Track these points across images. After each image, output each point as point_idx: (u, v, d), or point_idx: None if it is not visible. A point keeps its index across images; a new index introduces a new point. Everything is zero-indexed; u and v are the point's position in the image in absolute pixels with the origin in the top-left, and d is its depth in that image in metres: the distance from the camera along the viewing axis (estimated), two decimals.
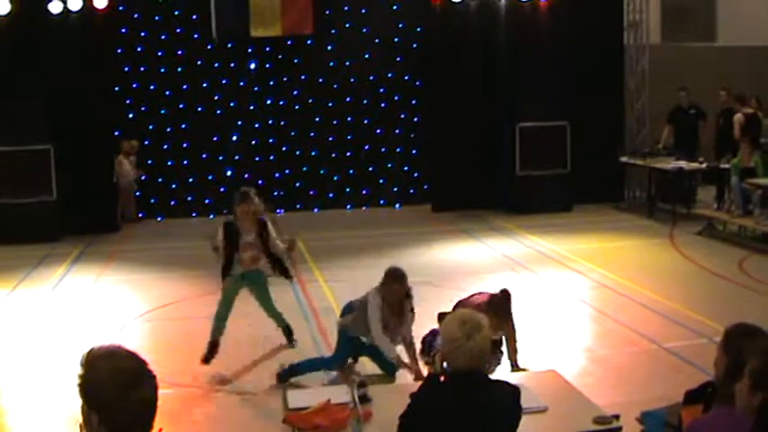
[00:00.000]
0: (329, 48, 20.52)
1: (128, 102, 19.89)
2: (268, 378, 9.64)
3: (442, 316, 9.05)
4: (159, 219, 20.02)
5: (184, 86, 20.06)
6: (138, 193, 19.86)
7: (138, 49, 19.84)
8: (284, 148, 20.71)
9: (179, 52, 20.00)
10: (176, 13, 19.89)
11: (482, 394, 5.02)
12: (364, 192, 20.98)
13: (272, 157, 20.67)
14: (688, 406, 5.46)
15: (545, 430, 5.92)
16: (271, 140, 20.66)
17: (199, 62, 20.10)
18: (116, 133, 19.27)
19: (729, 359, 4.43)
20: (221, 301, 10.30)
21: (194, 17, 19.82)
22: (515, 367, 9.11)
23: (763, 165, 16.62)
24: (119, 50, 19.55)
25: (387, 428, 5.56)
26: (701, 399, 5.29)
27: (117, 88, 19.47)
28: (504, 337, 9.21)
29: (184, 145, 20.22)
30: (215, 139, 20.35)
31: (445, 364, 5.02)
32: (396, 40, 20.77)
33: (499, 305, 9.00)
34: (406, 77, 20.95)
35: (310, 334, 11.31)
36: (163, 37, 19.90)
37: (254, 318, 11.03)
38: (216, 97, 20.27)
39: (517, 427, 5.16)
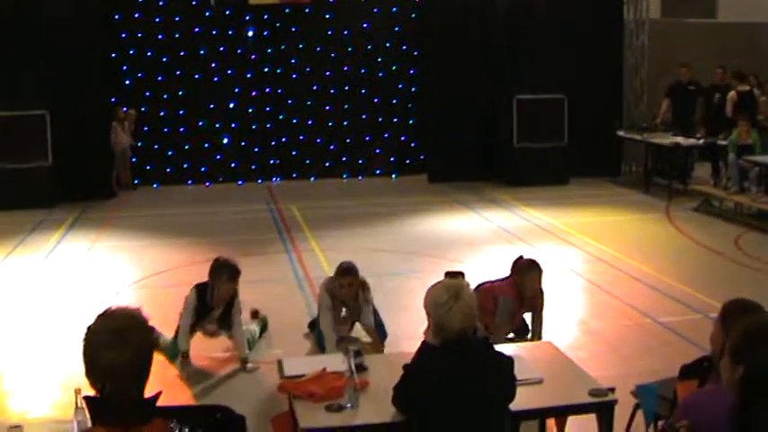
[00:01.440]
0: (327, 16, 20.45)
1: (124, 68, 19.81)
2: (264, 346, 9.66)
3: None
4: (155, 186, 19.97)
5: (182, 53, 19.98)
6: (133, 160, 19.80)
7: (136, 15, 19.74)
8: (281, 117, 20.66)
9: (177, 19, 19.89)
10: None
11: (479, 358, 5.03)
12: (361, 161, 20.97)
13: (268, 126, 20.62)
14: (683, 380, 5.48)
15: (541, 401, 5.93)
16: (267, 108, 20.60)
17: (197, 29, 19.99)
18: (112, 100, 19.21)
19: (726, 334, 4.43)
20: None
21: None
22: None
23: (761, 142, 16.63)
24: (116, 16, 19.47)
25: (382, 398, 5.56)
26: (697, 374, 5.31)
27: (114, 54, 19.41)
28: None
29: (181, 112, 20.15)
30: (211, 106, 20.29)
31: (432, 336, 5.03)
32: (394, 9, 20.70)
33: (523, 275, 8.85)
34: (404, 47, 20.90)
35: (306, 303, 11.31)
36: (161, 3, 19.80)
37: (257, 285, 11.01)
38: (213, 65, 20.20)
39: (513, 398, 5.17)
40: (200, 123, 20.27)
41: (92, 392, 3.16)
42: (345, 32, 20.55)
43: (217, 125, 20.39)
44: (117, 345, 3.09)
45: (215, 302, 9.15)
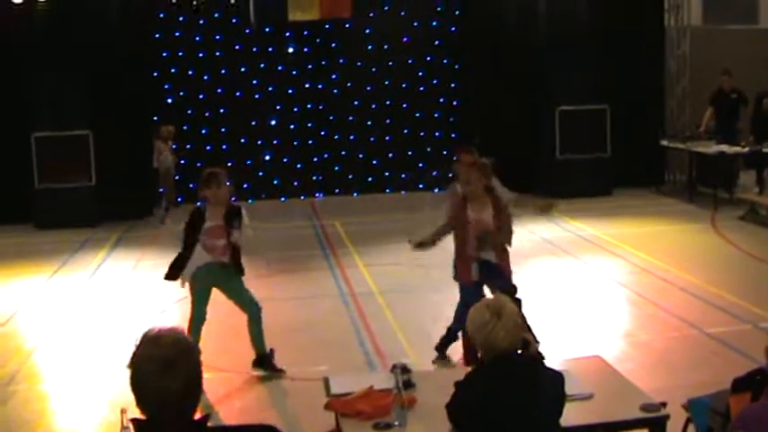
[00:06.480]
0: (367, 31, 20.48)
1: (166, 87, 19.94)
2: (310, 363, 9.63)
3: None
4: (198, 204, 19.98)
5: (222, 71, 20.10)
6: (177, 178, 19.90)
7: (176, 34, 19.88)
8: (323, 133, 20.70)
9: (217, 37, 20.02)
10: None
11: (529, 372, 4.98)
12: (403, 176, 20.93)
13: (310, 142, 20.67)
14: (736, 394, 5.38)
15: (591, 417, 5.84)
16: (309, 125, 20.65)
17: (237, 47, 20.11)
18: (154, 118, 19.32)
19: None
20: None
21: (232, 1, 19.80)
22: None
23: None
24: (157, 35, 19.61)
25: (431, 415, 5.51)
26: (750, 387, 5.21)
27: (155, 73, 19.54)
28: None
29: (223, 130, 20.26)
30: (253, 123, 20.38)
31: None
32: (434, 23, 20.71)
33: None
34: (445, 61, 20.89)
35: (350, 319, 11.30)
36: (201, 22, 19.94)
37: (300, 302, 11.00)
38: (254, 82, 20.29)
39: (561, 413, 5.11)
40: (242, 140, 20.35)
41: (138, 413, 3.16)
42: (386, 47, 20.57)
43: (258, 142, 20.47)
44: (167, 375, 3.07)
45: (210, 212, 9.75)
